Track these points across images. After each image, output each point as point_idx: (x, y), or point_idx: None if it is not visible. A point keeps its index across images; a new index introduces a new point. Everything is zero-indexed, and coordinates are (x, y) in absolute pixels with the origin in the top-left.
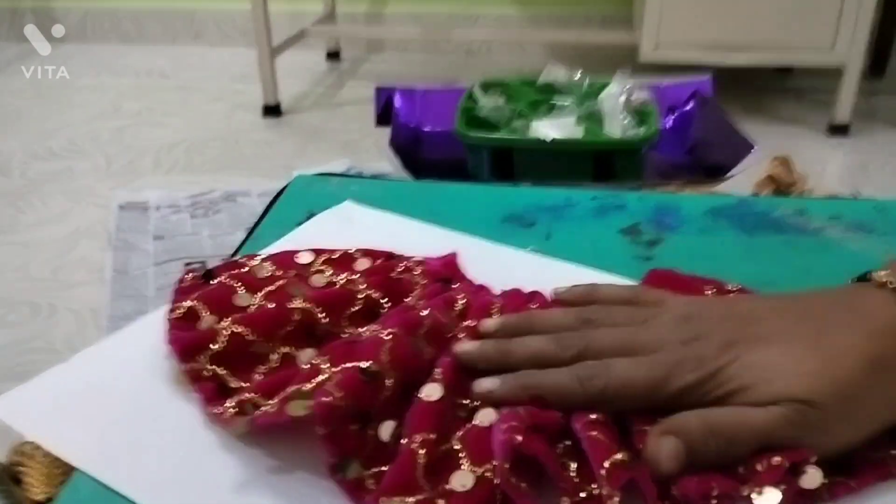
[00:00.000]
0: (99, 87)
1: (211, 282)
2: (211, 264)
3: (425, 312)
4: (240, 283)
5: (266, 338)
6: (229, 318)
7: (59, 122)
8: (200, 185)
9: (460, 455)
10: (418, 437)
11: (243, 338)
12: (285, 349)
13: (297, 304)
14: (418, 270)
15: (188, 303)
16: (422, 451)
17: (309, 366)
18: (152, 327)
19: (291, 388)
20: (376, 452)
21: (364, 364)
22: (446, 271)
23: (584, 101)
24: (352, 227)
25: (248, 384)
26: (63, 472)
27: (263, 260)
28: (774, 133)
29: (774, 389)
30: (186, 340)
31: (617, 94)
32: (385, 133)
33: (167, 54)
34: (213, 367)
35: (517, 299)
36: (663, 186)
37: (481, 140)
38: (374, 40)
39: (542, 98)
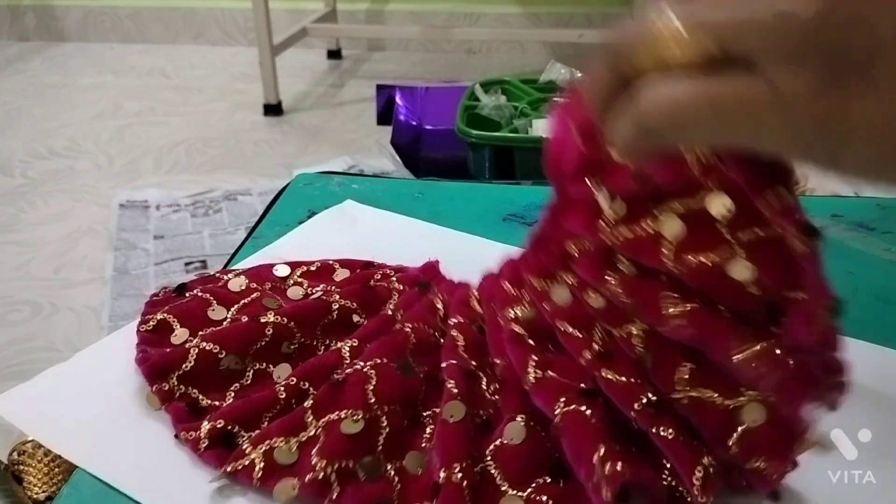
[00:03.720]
0: (99, 87)
1: (186, 295)
2: (211, 264)
3: (409, 328)
4: (213, 297)
5: (238, 354)
6: (199, 336)
7: (60, 122)
8: (201, 185)
9: (497, 478)
10: (457, 468)
11: (214, 355)
12: (259, 365)
13: (270, 318)
14: (395, 277)
15: (160, 315)
16: (465, 483)
17: (284, 388)
18: None
19: (276, 440)
20: (406, 490)
21: (352, 418)
22: (425, 277)
23: None
24: (352, 225)
25: (220, 403)
26: (63, 470)
27: (238, 274)
28: None
29: None
30: (156, 360)
31: None
32: (386, 132)
33: (168, 54)
34: (183, 386)
35: (491, 285)
36: None
37: (482, 139)
38: (375, 39)
39: (543, 97)
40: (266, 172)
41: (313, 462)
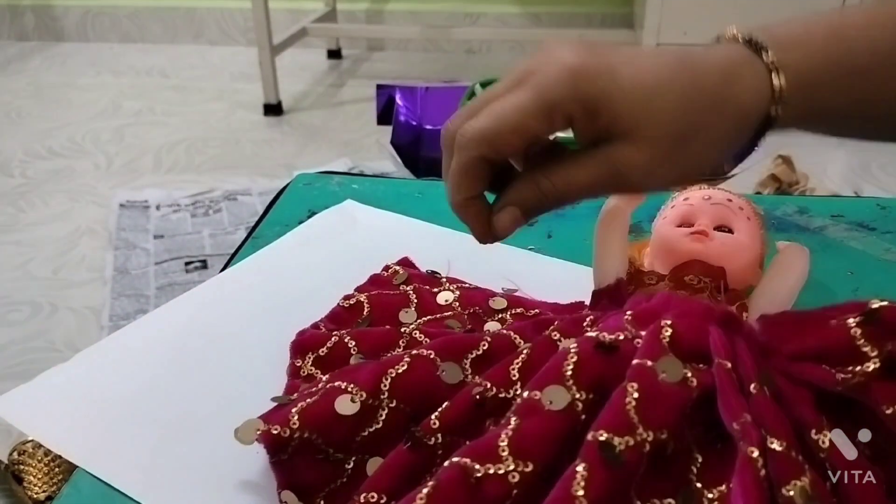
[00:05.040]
0: (99, 87)
1: (399, 288)
2: (211, 263)
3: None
4: (417, 298)
5: (367, 355)
6: (348, 329)
7: (60, 122)
8: (201, 185)
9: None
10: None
11: (348, 350)
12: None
13: (415, 335)
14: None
15: (362, 297)
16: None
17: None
18: (153, 326)
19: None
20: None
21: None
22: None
23: None
24: (352, 225)
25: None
26: (64, 470)
27: (454, 289)
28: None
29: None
30: (303, 339)
31: None
32: (386, 132)
33: (167, 53)
34: (313, 368)
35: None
36: None
37: None
38: (375, 39)
39: None
40: (266, 172)
41: None
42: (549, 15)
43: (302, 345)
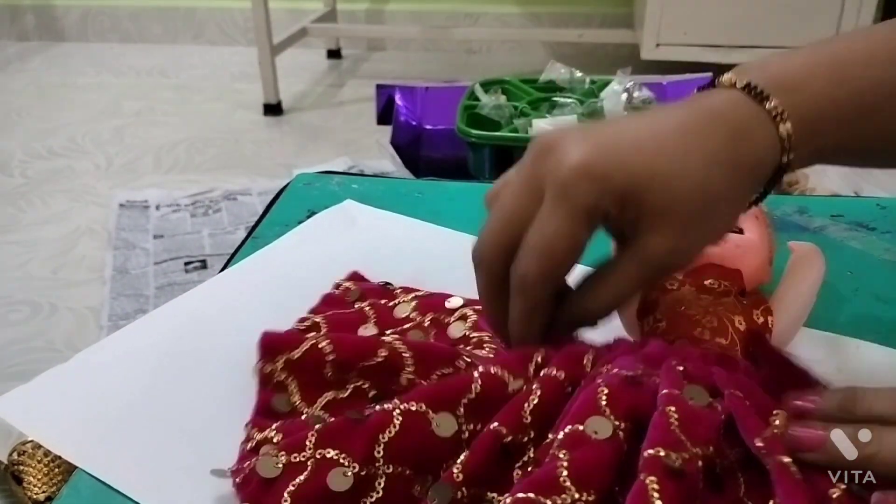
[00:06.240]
0: (99, 87)
1: (354, 305)
2: (211, 263)
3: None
4: (375, 315)
5: (344, 363)
6: (320, 333)
7: (60, 122)
8: (200, 184)
9: None
10: None
11: (323, 354)
12: (360, 383)
13: (396, 344)
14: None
15: (318, 318)
16: None
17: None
18: (152, 326)
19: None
20: None
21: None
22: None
23: (585, 100)
24: (352, 225)
25: (307, 408)
26: (63, 470)
27: (411, 299)
28: None
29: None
30: (272, 338)
31: (618, 93)
32: (386, 132)
33: (167, 53)
34: (285, 373)
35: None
36: None
37: (482, 138)
38: (375, 39)
39: (544, 96)
40: (266, 172)
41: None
42: (549, 15)
43: (272, 345)
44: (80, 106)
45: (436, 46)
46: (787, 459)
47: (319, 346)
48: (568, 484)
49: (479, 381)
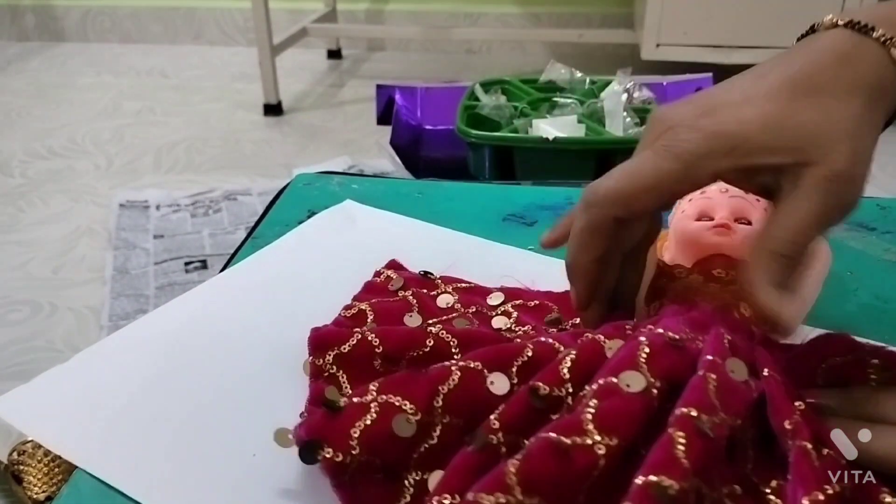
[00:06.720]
0: (99, 87)
1: (398, 294)
2: (211, 263)
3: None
4: (417, 304)
5: (392, 354)
6: (366, 327)
7: (60, 122)
8: (201, 184)
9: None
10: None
11: (372, 346)
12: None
13: (441, 333)
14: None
15: (363, 305)
16: None
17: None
18: (152, 326)
19: None
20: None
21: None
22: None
23: (585, 100)
24: (352, 225)
25: (359, 397)
26: (63, 470)
27: (452, 291)
28: None
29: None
30: (321, 334)
31: (619, 93)
32: (386, 132)
33: (167, 53)
34: (335, 367)
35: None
36: None
37: (482, 139)
38: (375, 39)
39: (544, 97)
40: (266, 172)
41: None
42: (549, 15)
43: (321, 340)
44: (79, 106)
45: (436, 46)
46: (809, 446)
47: (368, 338)
48: (591, 427)
49: (532, 347)
